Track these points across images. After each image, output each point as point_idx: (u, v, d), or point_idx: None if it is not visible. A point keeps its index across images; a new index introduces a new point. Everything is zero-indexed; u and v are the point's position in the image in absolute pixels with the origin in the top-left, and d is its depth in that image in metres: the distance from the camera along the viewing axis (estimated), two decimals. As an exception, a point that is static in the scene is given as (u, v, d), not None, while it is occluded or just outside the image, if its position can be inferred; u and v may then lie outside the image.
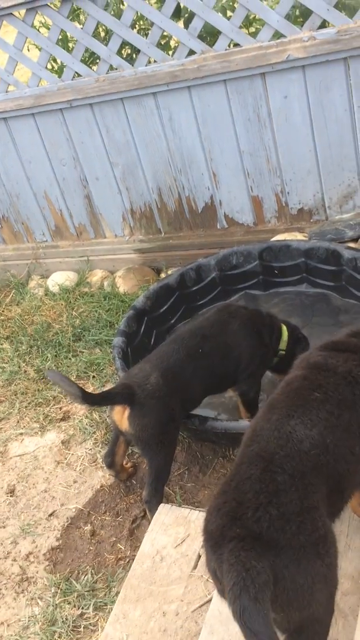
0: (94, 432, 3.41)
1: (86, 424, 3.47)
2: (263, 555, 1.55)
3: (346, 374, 1.98)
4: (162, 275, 4.56)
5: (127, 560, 2.75)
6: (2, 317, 4.63)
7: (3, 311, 4.71)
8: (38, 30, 4.21)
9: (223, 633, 1.95)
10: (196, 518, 2.60)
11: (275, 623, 1.61)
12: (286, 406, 1.89)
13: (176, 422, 2.81)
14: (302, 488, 1.69)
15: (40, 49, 4.16)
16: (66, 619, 2.56)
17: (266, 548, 1.56)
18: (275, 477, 1.70)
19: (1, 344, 4.33)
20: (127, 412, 2.69)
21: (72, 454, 3.36)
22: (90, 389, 3.71)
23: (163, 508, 2.70)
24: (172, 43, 4.59)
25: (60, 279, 4.80)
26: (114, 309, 4.28)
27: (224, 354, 2.98)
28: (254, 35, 3.66)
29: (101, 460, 3.19)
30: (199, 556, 2.46)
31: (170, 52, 4.41)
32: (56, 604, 2.63)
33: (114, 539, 2.88)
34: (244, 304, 3.97)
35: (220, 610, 2.02)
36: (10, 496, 3.25)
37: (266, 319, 3.16)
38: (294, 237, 4.02)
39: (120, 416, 2.71)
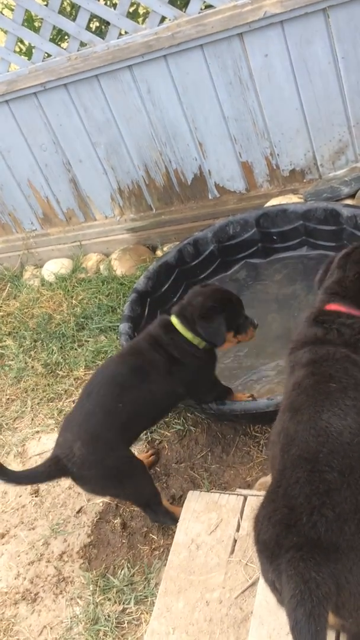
0: (111, 423, 3.37)
1: (102, 415, 3.43)
2: (323, 563, 1.50)
3: (346, 359, 1.95)
4: (158, 252, 4.47)
5: (162, 550, 2.74)
6: (1, 313, 4.55)
7: (1, 306, 4.63)
8: (1, 12, 4.03)
9: (273, 622, 1.94)
10: (226, 502, 2.59)
11: (343, 630, 1.58)
12: (312, 404, 1.82)
13: (124, 461, 2.62)
14: (354, 483, 1.62)
15: (6, 32, 3.98)
16: (109, 616, 2.56)
17: (326, 554, 1.51)
18: (325, 476, 1.63)
19: (4, 341, 4.27)
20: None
21: (92, 447, 3.32)
22: (100, 378, 3.66)
23: (192, 495, 2.68)
24: (141, 10, 4.42)
25: (55, 267, 4.71)
26: (114, 292, 4.21)
27: (152, 401, 2.67)
28: (226, -6, 3.51)
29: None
30: (235, 541, 2.45)
31: (141, 21, 4.25)
32: (97, 602, 2.63)
33: (145, 529, 2.86)
34: (245, 274, 3.92)
35: (267, 600, 2.00)
36: (35, 496, 3.22)
37: (169, 342, 2.70)
38: (289, 200, 3.93)
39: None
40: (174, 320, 2.73)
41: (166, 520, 2.72)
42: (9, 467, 3.36)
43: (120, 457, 2.60)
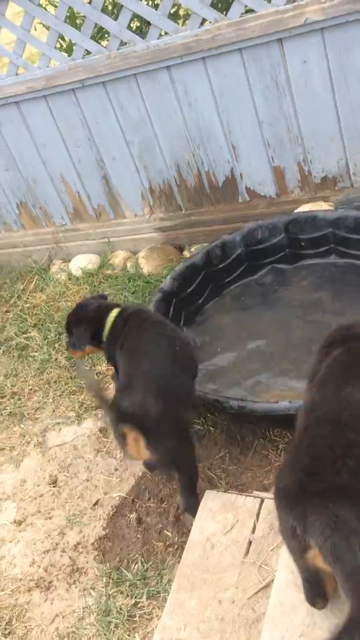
0: (131, 419, 3.40)
1: (122, 411, 3.46)
2: (349, 507, 1.55)
3: None
4: (185, 253, 4.49)
5: (176, 547, 2.76)
6: (28, 305, 4.61)
7: (28, 298, 4.69)
8: (45, 8, 4.08)
9: (286, 624, 1.95)
10: (243, 504, 2.60)
11: None
12: (338, 378, 1.92)
13: (186, 427, 2.74)
14: None
15: (48, 28, 4.04)
16: (120, 609, 2.58)
17: (349, 499, 1.57)
18: (346, 433, 1.71)
19: (29, 332, 4.32)
20: (142, 443, 2.51)
21: (111, 442, 3.35)
22: (123, 374, 3.70)
23: (209, 494, 2.69)
24: (181, 12, 4.45)
25: (83, 262, 4.75)
26: (140, 290, 4.24)
27: (186, 340, 3.00)
28: (268, -1, 3.53)
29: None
30: (250, 542, 2.46)
31: (181, 22, 4.28)
32: (109, 594, 2.66)
33: (160, 525, 2.88)
34: (272, 279, 3.93)
35: (281, 601, 2.01)
36: (53, 487, 3.26)
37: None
38: (319, 207, 3.93)
39: (136, 449, 2.54)
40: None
41: (196, 511, 2.67)
42: (28, 456, 3.43)
43: (184, 419, 2.71)
